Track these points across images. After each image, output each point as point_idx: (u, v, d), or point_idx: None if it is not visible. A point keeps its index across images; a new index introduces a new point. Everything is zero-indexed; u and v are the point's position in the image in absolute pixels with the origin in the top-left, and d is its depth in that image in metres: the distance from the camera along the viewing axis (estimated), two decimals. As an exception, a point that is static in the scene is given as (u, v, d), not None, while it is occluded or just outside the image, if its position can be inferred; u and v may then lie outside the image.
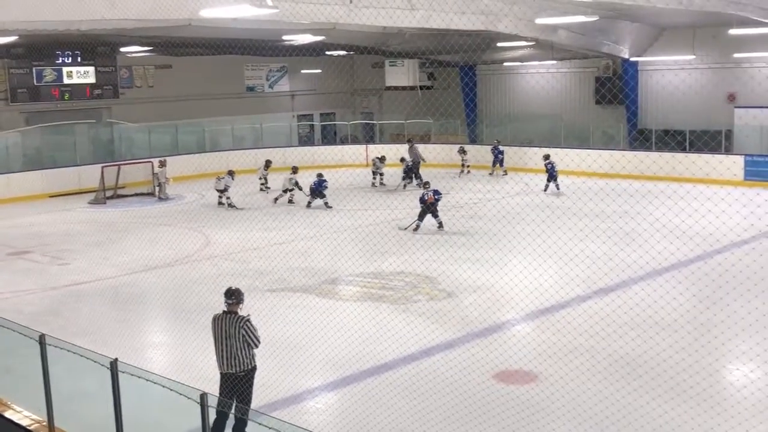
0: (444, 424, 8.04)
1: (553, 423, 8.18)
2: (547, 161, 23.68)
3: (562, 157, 24.19)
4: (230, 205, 22.60)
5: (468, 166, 28.13)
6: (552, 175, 23.39)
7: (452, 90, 32.38)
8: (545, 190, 23.32)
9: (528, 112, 31.34)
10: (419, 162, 26.06)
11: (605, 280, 13.38)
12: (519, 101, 32.54)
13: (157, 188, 24.89)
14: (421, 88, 31.32)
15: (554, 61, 29.65)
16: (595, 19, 19.13)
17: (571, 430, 8.08)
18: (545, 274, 13.19)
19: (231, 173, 23.09)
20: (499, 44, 27.28)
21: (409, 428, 7.91)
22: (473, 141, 31.60)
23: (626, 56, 27.50)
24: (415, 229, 18.35)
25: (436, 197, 18.50)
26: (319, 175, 22.38)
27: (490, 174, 27.31)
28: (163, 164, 24.80)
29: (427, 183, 19.40)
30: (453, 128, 32.19)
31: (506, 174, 27.23)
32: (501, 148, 27.50)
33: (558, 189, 23.30)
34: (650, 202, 18.31)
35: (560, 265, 14.37)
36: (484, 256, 15.42)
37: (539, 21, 19.74)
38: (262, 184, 25.49)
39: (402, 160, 25.83)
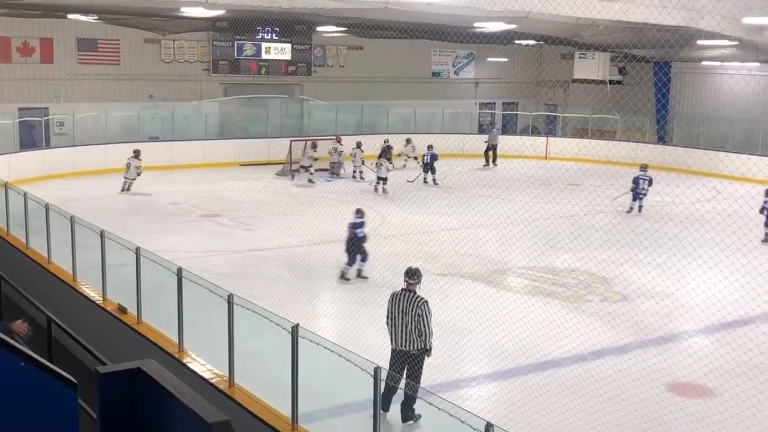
0: (613, 430, 7.83)
1: (729, 443, 7.78)
2: None
3: (766, 164, 22.58)
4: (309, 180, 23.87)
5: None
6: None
7: (643, 86, 31.09)
8: None
9: (724, 115, 29.55)
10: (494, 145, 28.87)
11: (798, 300, 12.45)
12: (715, 103, 30.73)
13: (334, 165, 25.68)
14: (611, 82, 30.31)
15: (758, 64, 27.76)
16: (811, 20, 17.76)
17: (748, 454, 7.64)
18: (730, 287, 12.49)
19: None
20: (699, 42, 25.88)
21: (575, 429, 7.76)
22: (662, 140, 30.26)
23: (841, 61, 25.33)
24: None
25: (357, 235, 13.77)
26: (430, 147, 24.09)
27: None
28: (338, 141, 25.78)
29: (359, 211, 14.10)
30: (640, 126, 30.96)
31: None
32: None
33: None
34: None
35: (749, 279, 13.49)
36: (665, 261, 14.76)
37: (747, 20, 18.55)
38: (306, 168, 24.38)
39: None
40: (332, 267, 14.46)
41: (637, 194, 20.51)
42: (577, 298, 12.81)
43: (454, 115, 33.30)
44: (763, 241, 17.75)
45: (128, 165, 21.83)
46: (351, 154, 25.29)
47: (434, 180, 24.24)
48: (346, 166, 25.65)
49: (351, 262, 13.72)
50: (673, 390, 9.09)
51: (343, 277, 13.75)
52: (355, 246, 13.63)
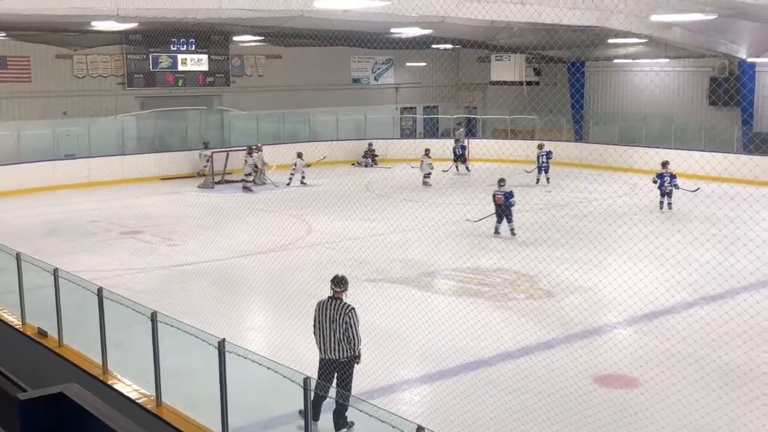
0: (543, 425, 7.97)
1: (654, 430, 8.00)
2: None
3: (672, 159, 23.38)
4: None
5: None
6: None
7: (559, 86, 31.81)
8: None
9: (637, 111, 30.50)
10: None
11: (712, 287, 12.90)
12: (628, 100, 31.70)
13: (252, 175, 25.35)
14: (527, 83, 30.91)
15: (667, 60, 28.74)
16: (714, 17, 18.41)
17: (672, 439, 7.87)
18: (649, 278, 12.88)
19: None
20: (610, 41, 26.62)
21: (505, 426, 7.87)
22: (579, 139, 31.01)
23: (743, 57, 26.39)
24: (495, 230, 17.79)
25: (507, 201, 17.48)
26: (457, 141, 28.84)
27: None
28: (258, 149, 25.48)
29: (501, 180, 18.01)
30: (558, 125, 31.67)
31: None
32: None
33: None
34: (763, 208, 17.55)
35: (665, 269, 13.97)
36: (586, 256, 15.07)
37: (654, 18, 19.16)
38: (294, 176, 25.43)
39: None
40: (259, 279, 14.36)
41: (540, 168, 25.36)
42: (504, 296, 13.01)
43: (376, 121, 33.41)
44: (661, 209, 20.25)
45: None
46: (293, 164, 25.30)
47: (467, 167, 28.20)
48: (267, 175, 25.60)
49: (500, 221, 17.49)
50: (599, 382, 9.31)
51: (496, 232, 17.59)
52: (505, 210, 17.31)
